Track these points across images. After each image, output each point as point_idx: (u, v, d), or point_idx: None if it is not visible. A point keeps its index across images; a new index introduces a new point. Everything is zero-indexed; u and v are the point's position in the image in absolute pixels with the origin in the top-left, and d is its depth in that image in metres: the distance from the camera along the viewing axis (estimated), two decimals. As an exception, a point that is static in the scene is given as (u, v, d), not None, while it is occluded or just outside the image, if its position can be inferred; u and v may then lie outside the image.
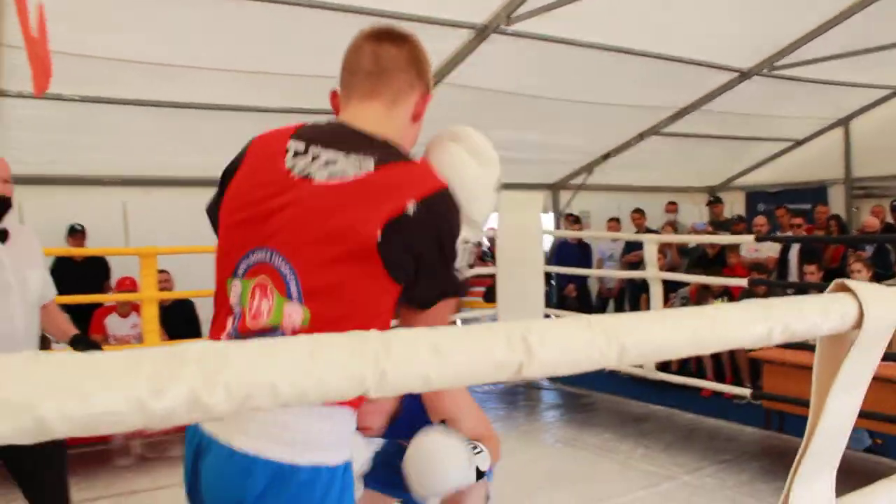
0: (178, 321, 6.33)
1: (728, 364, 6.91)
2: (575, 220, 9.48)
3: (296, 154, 1.38)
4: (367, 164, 1.32)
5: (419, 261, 1.30)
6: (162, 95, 6.18)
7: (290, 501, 1.25)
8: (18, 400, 0.41)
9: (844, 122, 9.98)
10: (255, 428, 1.26)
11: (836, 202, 10.14)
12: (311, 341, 0.50)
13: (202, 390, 0.45)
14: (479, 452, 1.97)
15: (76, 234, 6.91)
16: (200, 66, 5.86)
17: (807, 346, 5.05)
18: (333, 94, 1.54)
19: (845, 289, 0.87)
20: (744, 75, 7.81)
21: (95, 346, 3.18)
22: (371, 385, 0.51)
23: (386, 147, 1.38)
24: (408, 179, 1.32)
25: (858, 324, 0.85)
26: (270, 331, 1.30)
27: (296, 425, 1.27)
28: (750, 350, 5.99)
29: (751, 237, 5.44)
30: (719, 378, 6.58)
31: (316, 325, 1.27)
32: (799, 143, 10.37)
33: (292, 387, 0.48)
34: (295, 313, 1.29)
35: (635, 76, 7.36)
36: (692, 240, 8.00)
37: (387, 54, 1.46)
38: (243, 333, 1.32)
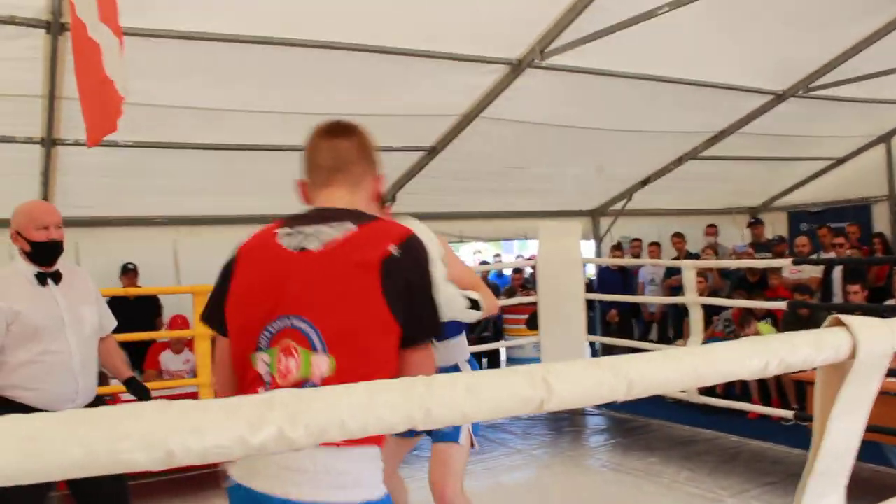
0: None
1: (774, 386, 6.89)
2: (616, 247, 9.60)
3: (287, 235, 1.64)
4: (350, 227, 1.61)
5: (411, 295, 1.55)
6: (209, 138, 6.42)
7: None
8: (153, 437, 0.54)
9: (886, 139, 9.90)
10: (308, 479, 1.44)
11: (881, 219, 10.03)
12: (369, 387, 0.62)
13: (288, 428, 0.57)
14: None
15: (129, 272, 7.17)
16: (247, 110, 6.09)
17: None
18: (301, 184, 1.79)
19: (841, 323, 0.97)
20: (779, 98, 7.84)
21: (145, 392, 3.37)
22: (419, 420, 0.63)
23: (359, 213, 1.66)
24: (384, 231, 1.62)
25: (853, 354, 0.95)
26: (302, 384, 1.51)
27: (344, 470, 1.46)
28: (797, 371, 5.99)
29: (788, 261, 5.45)
30: (765, 400, 6.57)
31: (341, 370, 1.48)
32: (840, 161, 10.30)
33: (357, 422, 0.60)
34: (321, 363, 1.50)
35: (670, 103, 7.45)
36: (730, 265, 8.01)
37: (344, 150, 1.74)
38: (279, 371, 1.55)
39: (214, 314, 1.72)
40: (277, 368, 1.54)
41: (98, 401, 3.09)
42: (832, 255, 7.94)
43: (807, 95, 7.84)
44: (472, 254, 13.79)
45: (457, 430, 2.87)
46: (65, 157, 6.15)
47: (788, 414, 5.10)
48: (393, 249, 1.56)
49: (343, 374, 1.43)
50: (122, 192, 6.90)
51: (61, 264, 3.05)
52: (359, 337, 1.51)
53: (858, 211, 10.14)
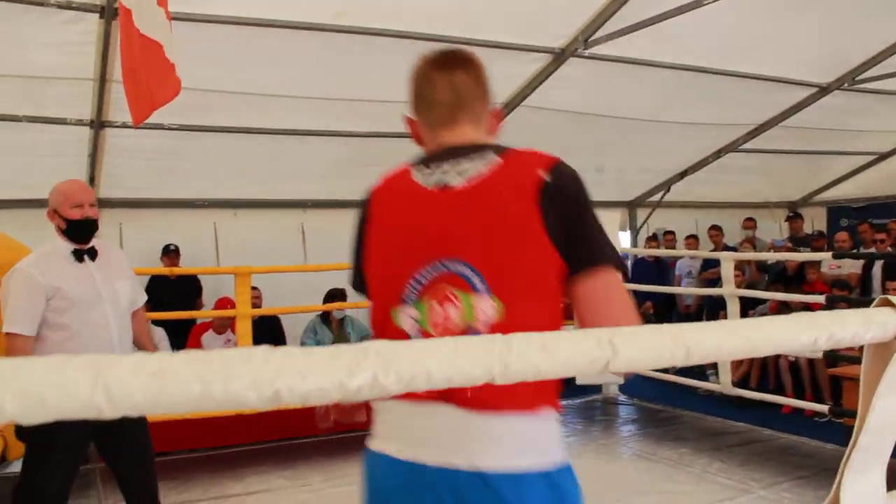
0: (266, 336, 6.64)
1: (808, 381, 6.85)
2: (652, 238, 9.59)
3: (422, 176, 1.49)
4: (493, 158, 1.45)
5: (572, 221, 1.40)
6: (252, 122, 6.52)
7: (561, 496, 1.37)
8: (262, 378, 0.60)
9: (930, 135, 9.76)
10: (496, 447, 1.33)
11: (924, 217, 9.90)
12: (454, 342, 0.68)
13: (381, 374, 0.63)
14: None
15: (170, 253, 7.31)
16: (290, 95, 6.18)
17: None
18: (411, 121, 1.64)
19: (890, 304, 1.01)
20: (823, 90, 7.76)
21: None
22: (497, 373, 0.68)
23: (493, 144, 1.51)
24: (530, 158, 1.45)
25: (900, 334, 0.99)
26: (466, 332, 1.36)
27: (533, 436, 1.37)
28: (830, 366, 5.97)
29: (828, 255, 5.42)
30: (799, 395, 6.54)
31: (510, 314, 1.36)
32: (883, 156, 10.17)
33: (442, 373, 0.65)
34: (486, 307, 1.37)
35: (711, 94, 7.41)
36: (768, 257, 7.96)
37: (462, 84, 1.56)
38: (432, 324, 1.42)
39: (359, 278, 1.57)
40: (431, 320, 1.39)
41: None
42: (872, 251, 7.86)
43: (851, 88, 7.75)
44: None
45: None
46: (112, 139, 6.29)
47: (824, 409, 5.09)
48: (545, 175, 1.40)
49: (512, 318, 1.35)
50: (166, 174, 7.04)
51: (96, 241, 3.17)
52: (525, 274, 1.37)
53: (900, 207, 10.01)
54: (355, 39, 5.56)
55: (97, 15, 4.84)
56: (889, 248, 7.89)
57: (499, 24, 5.78)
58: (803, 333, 0.89)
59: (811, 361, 6.71)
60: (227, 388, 0.58)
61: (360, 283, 1.59)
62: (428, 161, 1.51)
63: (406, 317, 1.43)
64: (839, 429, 5.58)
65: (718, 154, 9.00)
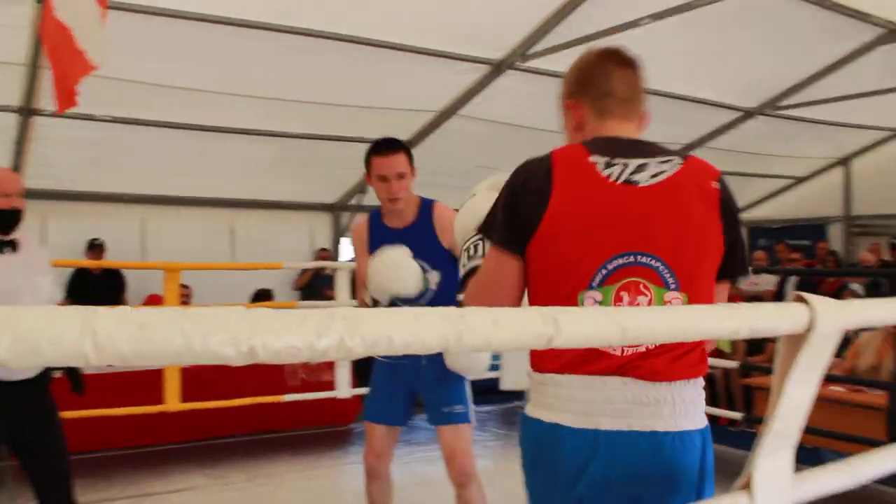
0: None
1: (723, 392, 7.10)
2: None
3: (606, 166, 1.52)
4: (676, 161, 1.55)
5: (737, 229, 1.57)
6: (186, 118, 6.44)
7: (706, 448, 1.55)
8: (239, 335, 0.64)
9: (845, 162, 10.24)
10: (668, 411, 1.48)
11: (836, 239, 10.37)
12: (414, 312, 0.73)
13: (347, 338, 0.68)
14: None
15: (95, 248, 7.16)
16: (226, 92, 6.13)
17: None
18: (574, 105, 1.69)
19: (803, 300, 1.10)
20: (748, 115, 8.08)
21: (80, 384, 3.36)
22: (452, 342, 0.74)
23: (670, 149, 1.61)
24: (705, 166, 1.59)
25: (810, 327, 1.08)
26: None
27: (692, 399, 1.53)
28: (745, 377, 6.22)
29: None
30: (713, 406, 6.77)
31: None
32: (800, 180, 10.63)
33: (401, 339, 0.71)
34: (676, 301, 1.47)
35: (643, 112, 7.63)
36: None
37: (634, 82, 1.65)
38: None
39: (517, 235, 1.55)
40: (616, 304, 1.46)
41: (48, 371, 3.09)
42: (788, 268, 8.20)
43: (774, 114, 8.09)
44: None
45: (467, 411, 3.05)
46: (41, 128, 6.14)
47: (737, 415, 5.30)
48: (717, 185, 1.55)
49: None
50: (95, 167, 6.89)
51: (19, 234, 3.09)
52: (709, 274, 1.53)
53: (815, 229, 10.47)
54: (295, 40, 5.55)
55: (32, -2, 4.74)
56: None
57: (440, 33, 5.86)
58: (727, 322, 0.97)
59: (726, 373, 6.96)
60: (206, 343, 0.62)
61: (512, 239, 1.56)
62: (607, 153, 1.54)
63: (590, 300, 1.47)
64: (751, 437, 5.79)
65: (646, 171, 9.25)
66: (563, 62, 6.21)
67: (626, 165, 1.52)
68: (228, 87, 6.09)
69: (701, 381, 1.56)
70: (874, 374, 5.38)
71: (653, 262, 1.47)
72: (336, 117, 6.75)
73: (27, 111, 5.82)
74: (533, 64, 6.33)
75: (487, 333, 0.76)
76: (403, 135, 7.40)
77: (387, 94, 6.58)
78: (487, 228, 1.62)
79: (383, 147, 3.04)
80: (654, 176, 1.51)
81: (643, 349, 1.44)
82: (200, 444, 5.44)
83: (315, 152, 7.31)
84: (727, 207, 1.54)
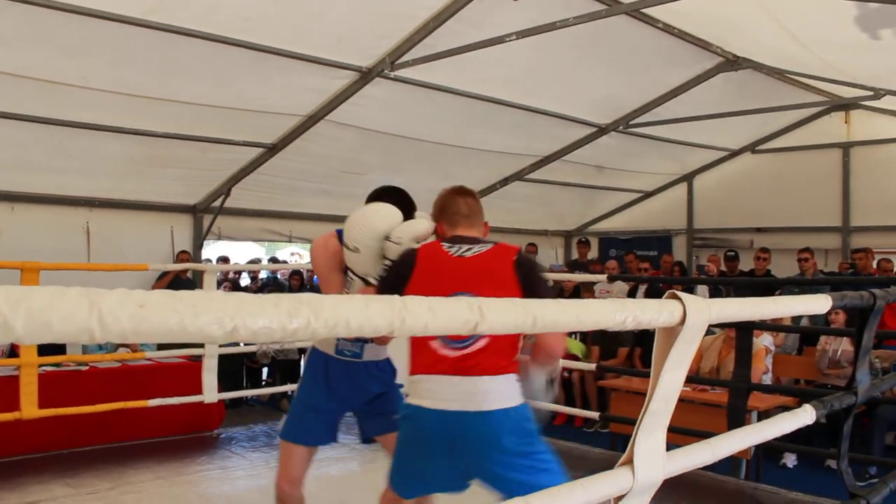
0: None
1: (579, 394, 7.48)
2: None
3: (449, 248, 2.57)
4: (487, 246, 2.57)
5: (530, 280, 2.50)
6: (41, 111, 6.16)
7: (522, 418, 2.45)
8: (224, 316, 0.72)
9: (688, 178, 10.98)
10: (483, 397, 2.39)
11: (679, 250, 11.10)
12: (365, 299, 0.83)
13: (313, 320, 0.77)
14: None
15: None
16: (87, 87, 5.91)
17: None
18: (439, 224, 2.74)
19: (677, 297, 1.27)
20: (602, 130, 8.56)
21: None
22: (396, 326, 0.84)
23: (486, 240, 2.65)
24: (506, 246, 2.59)
25: (682, 321, 1.25)
26: (467, 339, 2.41)
27: (500, 389, 2.41)
28: (599, 378, 6.57)
29: (604, 277, 6.01)
30: (571, 406, 7.13)
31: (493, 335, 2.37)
32: (648, 194, 11.31)
33: (356, 322, 0.81)
34: None
35: (504, 125, 7.94)
36: (550, 276, 8.59)
37: (472, 204, 2.72)
38: (451, 339, 2.42)
39: (399, 285, 2.56)
40: None
41: None
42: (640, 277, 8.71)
43: (625, 131, 8.61)
44: (290, 255, 13.77)
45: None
46: None
47: (594, 415, 5.62)
48: (515, 256, 2.54)
49: (495, 338, 2.39)
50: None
51: None
52: None
53: (662, 241, 11.16)
54: (162, 37, 5.45)
55: None
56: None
57: (311, 38, 5.90)
58: (617, 314, 1.12)
59: (581, 376, 7.33)
60: (197, 321, 0.70)
61: (394, 287, 2.56)
62: (452, 242, 2.61)
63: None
64: (605, 437, 6.16)
65: (505, 181, 9.60)
66: (431, 73, 6.43)
67: (461, 247, 2.57)
68: (90, 82, 5.88)
69: (513, 376, 2.47)
70: (715, 375, 5.84)
71: (469, 296, 2.18)
72: (202, 118, 6.65)
73: None
74: (401, 73, 6.47)
75: (425, 319, 0.87)
76: (270, 138, 7.39)
77: (255, 97, 6.55)
78: (382, 281, 2.69)
79: None
80: (475, 252, 2.55)
81: (468, 351, 2.42)
82: (60, 454, 5.21)
83: (178, 152, 7.15)
84: (521, 265, 2.52)
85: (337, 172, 8.24)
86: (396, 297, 0.87)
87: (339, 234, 3.11)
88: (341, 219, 8.78)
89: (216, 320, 0.71)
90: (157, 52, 5.60)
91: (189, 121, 6.69)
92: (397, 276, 2.60)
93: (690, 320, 1.25)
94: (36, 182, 7.14)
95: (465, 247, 2.55)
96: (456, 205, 2.69)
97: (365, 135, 7.58)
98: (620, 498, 1.30)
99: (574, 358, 7.58)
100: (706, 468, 5.01)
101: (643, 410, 1.31)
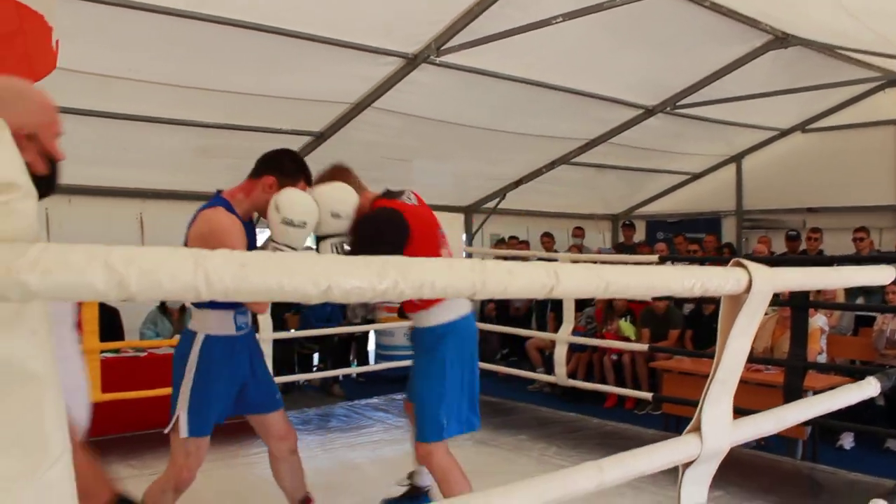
0: (105, 328, 6.43)
1: (629, 376, 7.46)
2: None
3: (407, 200, 3.15)
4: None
5: None
6: (94, 105, 6.29)
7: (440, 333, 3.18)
8: (318, 276, 0.76)
9: (737, 159, 10.82)
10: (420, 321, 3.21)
11: (729, 232, 10.96)
12: (448, 263, 0.86)
13: (401, 281, 0.80)
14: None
15: None
16: (138, 79, 6.02)
17: (703, 355, 5.62)
18: (365, 193, 3.27)
19: (741, 265, 1.28)
20: (649, 112, 8.47)
21: None
22: (478, 289, 0.87)
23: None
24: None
25: (748, 289, 1.26)
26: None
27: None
28: (650, 360, 6.55)
29: (654, 257, 5.97)
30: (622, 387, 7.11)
31: None
32: (696, 176, 11.17)
33: (441, 283, 0.84)
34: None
35: (550, 108, 7.90)
36: (598, 258, 8.56)
37: None
38: None
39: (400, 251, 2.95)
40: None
41: None
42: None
43: (673, 112, 8.51)
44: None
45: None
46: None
47: (647, 396, 5.61)
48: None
49: None
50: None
51: None
52: None
53: (710, 223, 11.03)
54: (210, 28, 5.53)
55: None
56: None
57: (355, 26, 5.94)
58: (686, 280, 1.13)
59: (633, 357, 7.31)
60: (294, 281, 0.74)
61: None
62: (395, 196, 3.16)
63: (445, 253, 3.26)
64: (657, 419, 6.14)
65: (552, 165, 9.56)
66: (476, 58, 6.43)
67: (405, 198, 3.17)
68: (140, 74, 5.99)
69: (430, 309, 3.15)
70: (769, 354, 5.78)
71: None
72: (250, 107, 6.74)
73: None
74: (447, 59, 6.48)
75: (505, 281, 0.89)
76: (318, 126, 7.46)
77: (302, 85, 6.61)
78: (383, 245, 2.82)
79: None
80: (413, 201, 3.21)
81: None
82: (122, 437, 5.34)
83: (227, 142, 7.26)
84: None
85: (383, 159, 8.28)
86: (477, 259, 0.89)
87: (228, 207, 3.03)
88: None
89: (311, 280, 0.75)
90: (205, 42, 5.68)
91: (238, 111, 6.78)
92: (400, 236, 2.95)
93: (756, 287, 1.25)
94: (91, 174, 7.30)
95: (404, 196, 3.07)
96: (352, 173, 3.22)
97: (409, 121, 7.61)
98: (689, 465, 1.32)
99: (625, 339, 7.56)
100: (761, 448, 4.97)
101: (710, 378, 1.33)
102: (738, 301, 1.28)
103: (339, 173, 3.26)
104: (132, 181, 7.62)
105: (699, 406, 1.35)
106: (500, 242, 10.34)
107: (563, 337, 5.73)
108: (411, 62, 6.55)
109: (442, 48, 6.31)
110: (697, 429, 1.32)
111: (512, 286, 0.90)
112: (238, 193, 3.09)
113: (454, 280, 0.85)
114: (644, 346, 5.87)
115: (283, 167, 3.07)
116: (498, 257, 9.65)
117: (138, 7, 5.16)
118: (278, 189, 3.02)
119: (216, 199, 3.05)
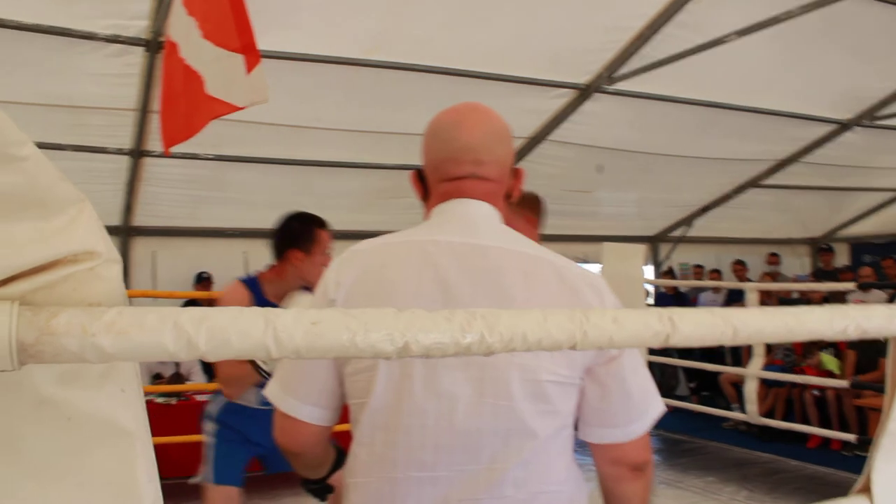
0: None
1: (835, 414, 6.88)
2: (667, 273, 9.70)
3: None
4: None
5: None
6: (283, 154, 6.71)
7: None
8: (395, 332, 0.73)
9: (952, 172, 9.83)
10: None
11: (945, 253, 9.95)
12: (543, 313, 0.81)
13: (488, 335, 0.76)
14: None
15: (203, 281, 7.49)
16: (320, 127, 6.36)
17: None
18: None
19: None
20: (844, 127, 7.88)
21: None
22: (578, 339, 0.81)
23: None
24: None
25: (921, 328, 1.11)
26: None
27: None
28: (857, 397, 6.02)
29: (850, 285, 5.50)
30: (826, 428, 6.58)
31: None
32: (905, 193, 10.26)
33: (534, 336, 0.78)
34: None
35: (733, 130, 7.54)
36: (793, 287, 8.02)
37: None
38: None
39: None
40: None
41: None
42: None
43: (872, 125, 7.87)
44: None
45: None
46: (149, 168, 6.49)
47: (850, 437, 5.14)
48: None
49: None
50: (200, 203, 7.23)
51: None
52: None
53: (923, 244, 10.07)
54: (384, 74, 5.74)
55: (142, 48, 5.05)
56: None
57: (525, 60, 5.96)
58: (835, 321, 1.01)
59: (838, 394, 6.75)
60: (368, 338, 0.71)
61: None
62: None
63: None
64: (864, 460, 5.60)
65: (740, 189, 9.11)
66: (650, 83, 6.26)
67: None
68: (323, 123, 6.32)
69: None
70: None
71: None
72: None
73: (137, 153, 6.16)
74: (620, 86, 6.36)
75: (610, 331, 0.83)
76: (494, 162, 7.52)
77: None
78: None
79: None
80: None
81: None
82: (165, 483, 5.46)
83: (406, 182, 7.47)
84: None
85: (562, 192, 8.22)
86: (576, 309, 0.83)
87: (250, 285, 3.05)
88: (570, 238, 8.71)
89: (387, 336, 0.72)
90: (381, 88, 5.91)
91: (413, 151, 6.95)
92: None
93: (932, 327, 1.10)
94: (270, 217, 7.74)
95: None
96: (539, 208, 3.02)
97: (588, 152, 7.52)
98: (857, 529, 1.17)
99: (829, 375, 7.00)
100: None
101: (879, 430, 1.17)
102: (910, 342, 1.13)
103: (528, 203, 2.95)
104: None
105: (867, 462, 1.20)
106: (666, 273, 9.86)
107: (753, 372, 5.37)
108: (584, 92, 6.48)
109: (613, 76, 6.19)
110: (867, 490, 1.17)
111: (618, 336, 0.83)
112: (269, 274, 3.16)
113: (550, 331, 0.79)
114: (844, 383, 5.39)
115: (294, 234, 3.11)
116: (671, 288, 9.30)
117: (317, 60, 5.46)
118: (307, 257, 3.06)
119: (245, 277, 3.16)
